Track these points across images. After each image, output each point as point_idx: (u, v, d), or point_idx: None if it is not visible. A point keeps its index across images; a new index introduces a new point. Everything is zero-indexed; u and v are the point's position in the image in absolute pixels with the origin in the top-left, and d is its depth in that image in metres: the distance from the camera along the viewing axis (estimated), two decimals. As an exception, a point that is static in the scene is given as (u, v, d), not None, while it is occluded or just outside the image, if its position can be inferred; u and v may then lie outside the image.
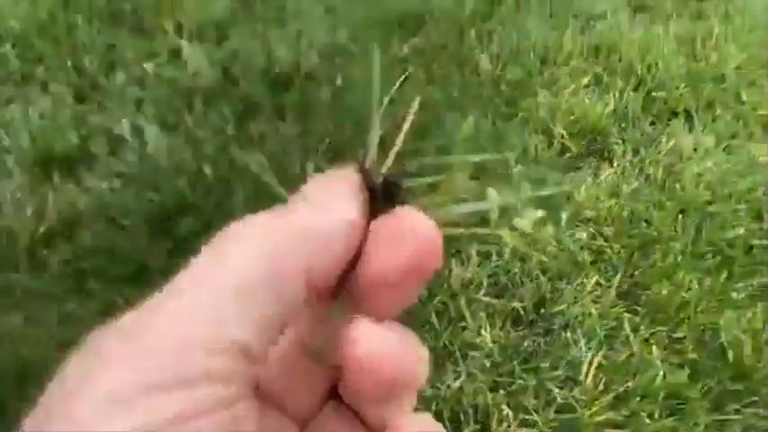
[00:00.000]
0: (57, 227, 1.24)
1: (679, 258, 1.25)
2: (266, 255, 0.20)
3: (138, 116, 1.44)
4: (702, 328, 1.16)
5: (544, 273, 1.23)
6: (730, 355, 1.11)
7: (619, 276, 1.23)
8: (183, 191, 1.29)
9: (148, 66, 1.58)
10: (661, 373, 1.08)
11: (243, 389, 0.20)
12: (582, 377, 1.08)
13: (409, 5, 1.82)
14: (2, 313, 1.14)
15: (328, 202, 0.22)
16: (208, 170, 1.34)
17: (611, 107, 1.60)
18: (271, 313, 0.20)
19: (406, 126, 0.27)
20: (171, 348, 0.18)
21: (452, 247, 1.24)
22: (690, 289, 1.20)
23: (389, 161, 0.26)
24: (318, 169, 0.25)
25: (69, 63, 1.56)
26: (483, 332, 1.12)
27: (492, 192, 0.27)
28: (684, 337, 1.14)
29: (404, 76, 1.58)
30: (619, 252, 1.27)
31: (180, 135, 1.41)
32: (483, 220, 1.11)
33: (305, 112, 1.50)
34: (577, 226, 1.31)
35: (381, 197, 0.25)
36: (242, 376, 0.19)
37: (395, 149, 0.27)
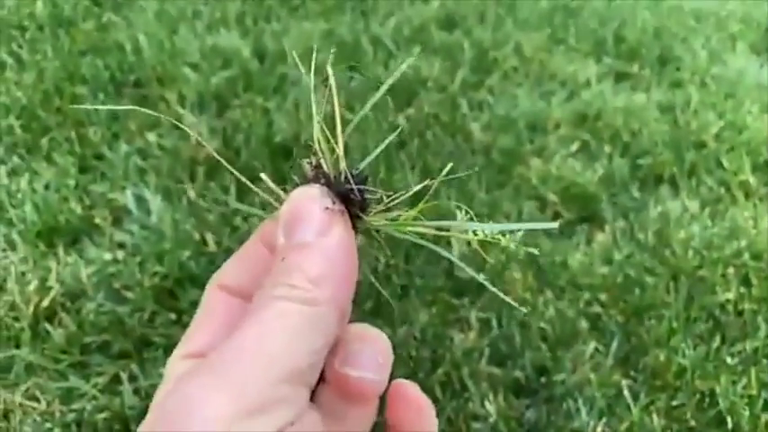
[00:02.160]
0: (60, 300, 1.25)
1: (674, 324, 1.29)
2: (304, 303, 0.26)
3: (141, 187, 1.47)
4: (700, 394, 1.18)
5: (544, 340, 1.26)
6: (729, 421, 1.13)
7: (616, 343, 1.25)
8: (187, 262, 1.31)
9: (151, 136, 1.62)
10: (663, 441, 1.10)
11: (305, 405, 0.26)
12: (585, 447, 1.09)
13: (402, 76, 1.90)
14: (1, 389, 1.13)
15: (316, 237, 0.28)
16: (211, 240, 1.36)
17: (600, 173, 1.66)
18: (320, 345, 0.26)
19: (342, 132, 0.30)
20: (257, 381, 0.24)
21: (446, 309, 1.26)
22: (685, 355, 1.22)
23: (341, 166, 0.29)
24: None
25: (74, 134, 1.59)
26: (486, 403, 1.13)
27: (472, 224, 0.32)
28: (683, 404, 1.16)
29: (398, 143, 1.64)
30: (615, 318, 1.30)
31: (183, 205, 1.44)
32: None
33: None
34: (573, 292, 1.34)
35: (354, 202, 0.28)
36: (304, 396, 0.26)
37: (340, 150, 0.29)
